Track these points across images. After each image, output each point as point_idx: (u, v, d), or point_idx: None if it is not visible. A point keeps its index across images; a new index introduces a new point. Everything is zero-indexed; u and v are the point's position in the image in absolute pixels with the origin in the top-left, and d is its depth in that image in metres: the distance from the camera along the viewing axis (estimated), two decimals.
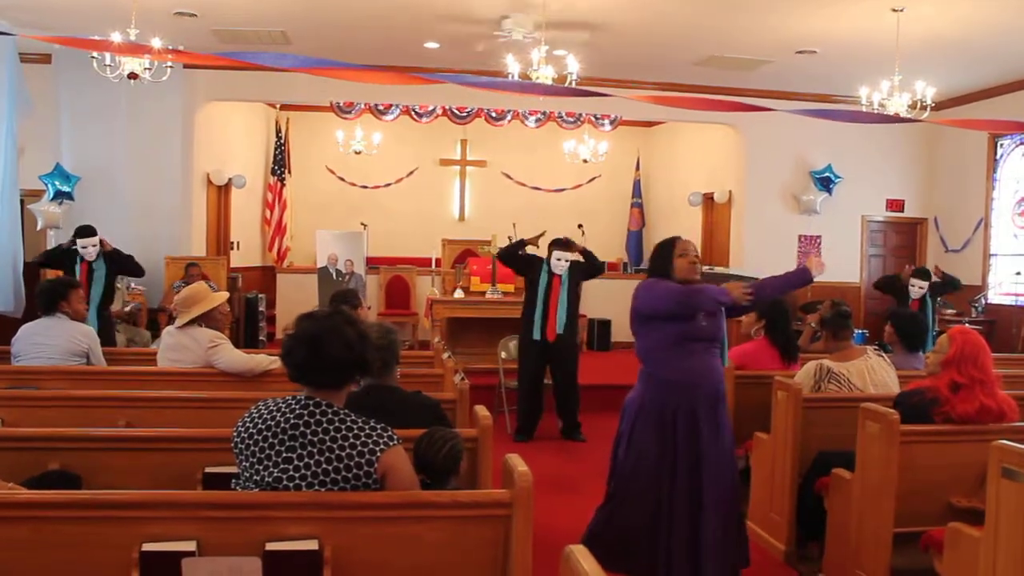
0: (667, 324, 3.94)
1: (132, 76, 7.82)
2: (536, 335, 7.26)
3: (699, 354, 3.93)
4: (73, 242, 7.30)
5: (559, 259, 7.33)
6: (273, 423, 2.54)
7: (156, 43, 6.59)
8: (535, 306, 7.30)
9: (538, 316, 7.27)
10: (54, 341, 5.06)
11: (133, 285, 9.51)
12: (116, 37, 6.66)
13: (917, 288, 8.56)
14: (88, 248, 7.25)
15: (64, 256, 7.39)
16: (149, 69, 7.83)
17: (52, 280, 5.59)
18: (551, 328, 7.25)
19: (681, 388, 3.91)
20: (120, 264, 7.48)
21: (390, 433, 2.57)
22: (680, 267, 4.00)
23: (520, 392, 7.44)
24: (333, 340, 2.56)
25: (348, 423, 2.54)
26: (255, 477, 2.54)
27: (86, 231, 7.33)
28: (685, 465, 3.87)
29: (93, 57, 7.54)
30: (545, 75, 8.13)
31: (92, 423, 3.68)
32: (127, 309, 9.10)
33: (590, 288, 11.76)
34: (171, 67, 7.85)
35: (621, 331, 11.33)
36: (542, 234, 7.92)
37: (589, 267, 7.45)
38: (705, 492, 3.86)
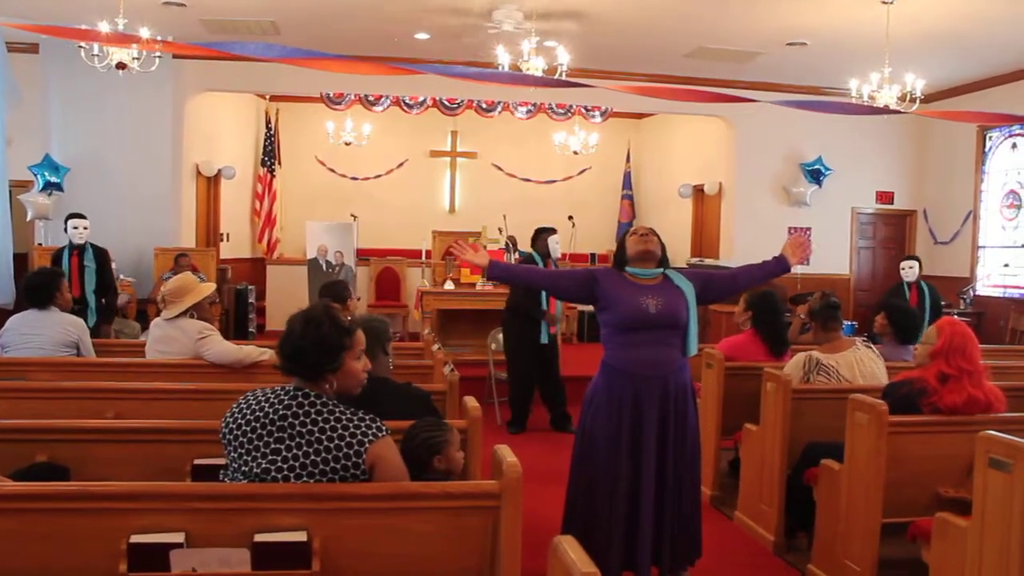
0: (605, 312, 3.85)
1: (120, 66, 7.78)
2: (545, 339, 7.09)
3: (648, 343, 3.75)
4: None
5: (557, 242, 7.26)
6: (261, 414, 2.54)
7: (144, 33, 6.54)
8: (540, 305, 7.02)
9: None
10: (44, 332, 5.03)
11: (122, 276, 9.46)
12: (104, 27, 6.61)
13: (908, 270, 8.57)
14: (79, 229, 7.29)
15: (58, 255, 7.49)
16: (138, 59, 7.78)
17: (41, 273, 5.50)
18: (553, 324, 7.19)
19: (629, 377, 3.76)
20: (104, 266, 7.52)
21: (378, 424, 2.57)
22: (629, 245, 3.89)
23: (517, 388, 7.35)
24: (305, 332, 2.58)
25: (336, 414, 2.54)
26: (243, 468, 2.53)
27: (77, 214, 7.49)
28: (638, 456, 3.76)
29: (81, 47, 7.49)
30: (535, 66, 8.12)
31: (80, 415, 3.67)
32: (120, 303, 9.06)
33: None
34: (159, 57, 7.80)
35: None
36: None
37: None
38: (658, 484, 3.77)
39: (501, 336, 7.72)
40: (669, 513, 3.81)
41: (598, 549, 3.69)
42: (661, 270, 3.88)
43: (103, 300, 7.46)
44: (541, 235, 7.33)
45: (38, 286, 5.16)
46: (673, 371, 3.81)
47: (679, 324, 3.80)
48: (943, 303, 9.18)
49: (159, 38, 6.65)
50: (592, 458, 3.86)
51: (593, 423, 3.87)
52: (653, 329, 3.76)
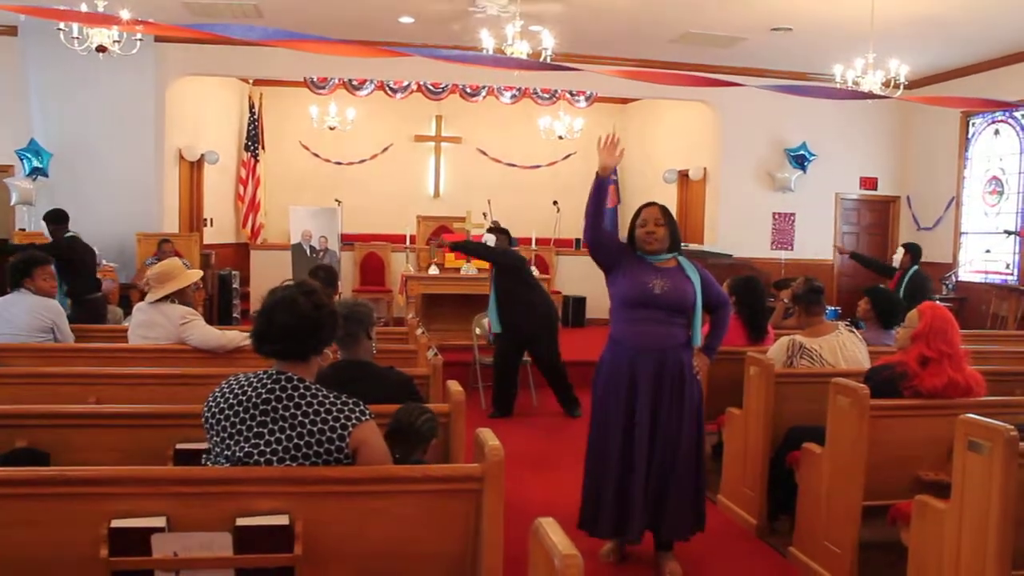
0: (618, 281, 3.98)
1: (100, 49, 7.69)
2: (496, 328, 7.28)
3: (650, 321, 3.90)
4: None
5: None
6: (244, 398, 2.53)
7: (125, 14, 6.47)
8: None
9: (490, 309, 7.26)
10: (17, 317, 4.97)
11: (104, 262, 9.38)
12: (84, 7, 6.54)
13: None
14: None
15: None
16: (118, 42, 7.70)
17: (19, 256, 5.46)
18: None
19: (627, 351, 3.93)
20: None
21: (362, 408, 2.57)
22: (637, 237, 4.01)
23: (494, 371, 7.39)
24: (284, 309, 2.55)
25: (320, 398, 2.53)
26: (226, 452, 2.52)
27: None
28: (630, 428, 3.91)
29: (60, 29, 7.40)
30: (520, 50, 8.08)
31: (62, 400, 3.64)
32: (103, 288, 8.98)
33: (564, 266, 11.81)
34: (140, 40, 7.72)
35: (595, 308, 11.37)
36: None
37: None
38: (650, 457, 3.91)
39: (486, 321, 7.74)
40: (660, 485, 3.92)
41: (593, 510, 3.96)
42: (672, 255, 4.01)
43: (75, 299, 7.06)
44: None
45: (10, 267, 5.12)
46: (671, 349, 3.93)
47: (682, 308, 3.94)
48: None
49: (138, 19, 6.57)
50: (595, 427, 4.07)
51: (595, 394, 4.09)
52: (657, 308, 3.90)
